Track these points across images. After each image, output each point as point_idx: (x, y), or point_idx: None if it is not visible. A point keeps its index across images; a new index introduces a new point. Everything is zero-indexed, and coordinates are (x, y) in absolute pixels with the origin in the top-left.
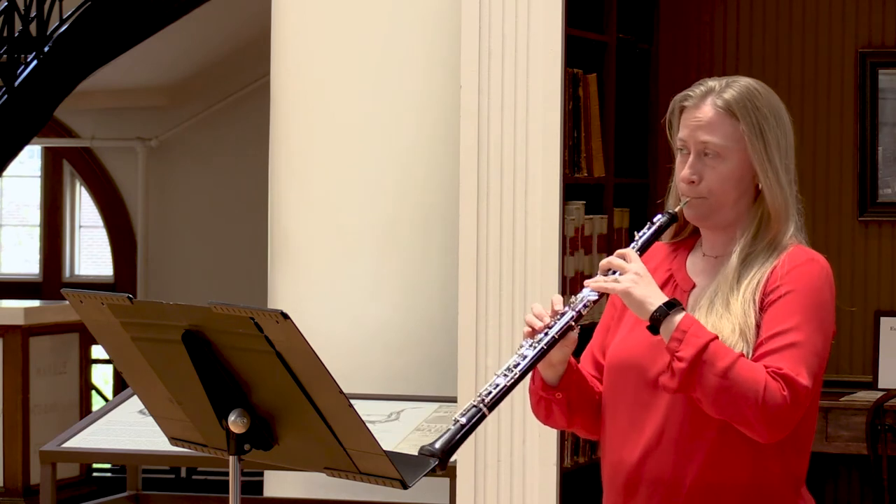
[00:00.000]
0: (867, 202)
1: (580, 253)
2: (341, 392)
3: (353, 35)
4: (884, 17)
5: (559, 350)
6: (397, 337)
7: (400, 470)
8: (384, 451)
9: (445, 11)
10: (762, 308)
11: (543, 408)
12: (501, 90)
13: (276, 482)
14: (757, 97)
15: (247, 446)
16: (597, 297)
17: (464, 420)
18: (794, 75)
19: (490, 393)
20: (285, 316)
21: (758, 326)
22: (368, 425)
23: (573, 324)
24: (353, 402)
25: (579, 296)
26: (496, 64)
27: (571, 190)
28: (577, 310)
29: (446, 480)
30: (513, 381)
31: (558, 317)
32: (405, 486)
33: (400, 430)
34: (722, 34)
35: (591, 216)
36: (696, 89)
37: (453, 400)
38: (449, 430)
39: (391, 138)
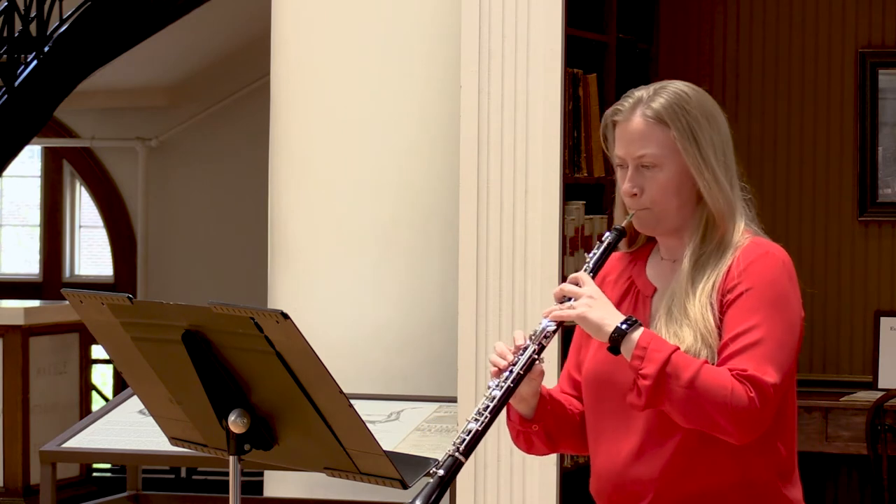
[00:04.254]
0: (867, 202)
1: (580, 253)
2: (341, 392)
3: (353, 35)
4: (884, 17)
5: (527, 384)
6: (397, 337)
7: (400, 470)
8: (384, 451)
9: (445, 11)
10: (721, 309)
11: (524, 440)
12: (501, 90)
13: (276, 482)
14: (686, 101)
15: (247, 446)
16: (555, 327)
17: (442, 472)
18: (794, 75)
19: (464, 440)
20: (285, 316)
21: (718, 329)
22: (368, 425)
23: (536, 357)
24: (353, 402)
25: (538, 328)
26: (496, 64)
27: (571, 190)
28: (538, 343)
29: None
30: (484, 424)
31: (521, 352)
32: (405, 486)
33: (400, 430)
34: (722, 34)
35: (591, 216)
36: (626, 102)
37: (453, 400)
38: (429, 483)
39: (391, 138)
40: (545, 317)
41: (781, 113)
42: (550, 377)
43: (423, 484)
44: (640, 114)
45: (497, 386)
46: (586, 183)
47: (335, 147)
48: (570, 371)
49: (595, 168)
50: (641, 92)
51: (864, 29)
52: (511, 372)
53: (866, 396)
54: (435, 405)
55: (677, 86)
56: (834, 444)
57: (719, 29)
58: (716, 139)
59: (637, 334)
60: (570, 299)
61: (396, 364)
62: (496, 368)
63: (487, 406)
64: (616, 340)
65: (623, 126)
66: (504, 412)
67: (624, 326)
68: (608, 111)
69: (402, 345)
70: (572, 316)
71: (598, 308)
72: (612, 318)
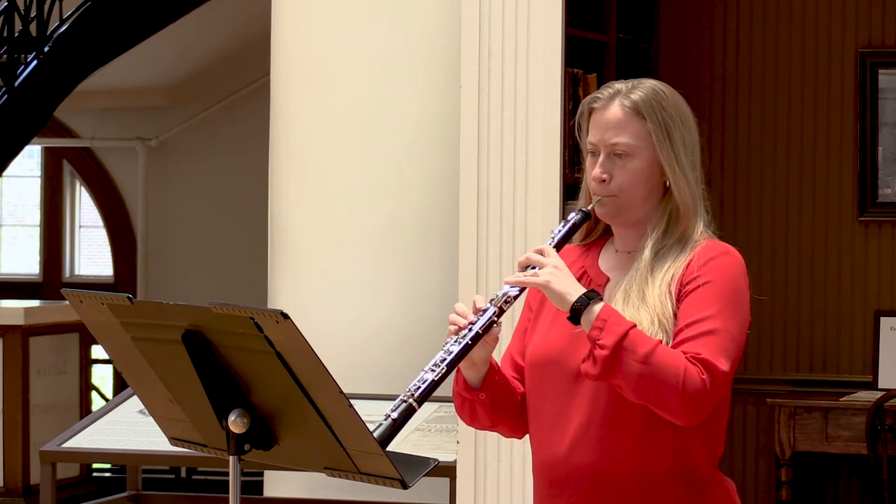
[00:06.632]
0: (867, 202)
1: None
2: (341, 392)
3: (353, 35)
4: (884, 17)
5: (482, 348)
6: (397, 337)
7: (400, 470)
8: (384, 451)
9: (445, 11)
10: (679, 299)
11: (468, 409)
12: (501, 90)
13: (276, 482)
14: (663, 98)
15: (247, 446)
16: (517, 293)
17: (395, 415)
18: (794, 75)
19: (419, 388)
20: (285, 316)
21: (675, 316)
22: (368, 425)
23: (496, 319)
24: (353, 402)
25: (499, 292)
26: (496, 64)
27: (571, 190)
28: (498, 305)
29: (446, 480)
30: (440, 375)
31: (481, 314)
32: (405, 486)
33: None
34: (722, 34)
35: None
36: (604, 91)
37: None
38: (382, 424)
39: (391, 138)
40: (507, 283)
41: (781, 113)
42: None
43: (422, 483)
44: (618, 103)
45: (455, 341)
46: None
47: (335, 147)
48: (513, 355)
49: None
50: (620, 85)
51: (864, 29)
52: (470, 330)
53: (866, 396)
54: (435, 405)
55: (655, 83)
56: (834, 444)
57: (719, 29)
58: (687, 139)
59: (598, 307)
60: (534, 268)
61: (396, 364)
62: (455, 327)
63: (444, 359)
64: (578, 310)
65: (600, 113)
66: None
67: (587, 298)
68: (586, 99)
69: (402, 345)
70: (537, 283)
71: (562, 278)
72: (575, 289)
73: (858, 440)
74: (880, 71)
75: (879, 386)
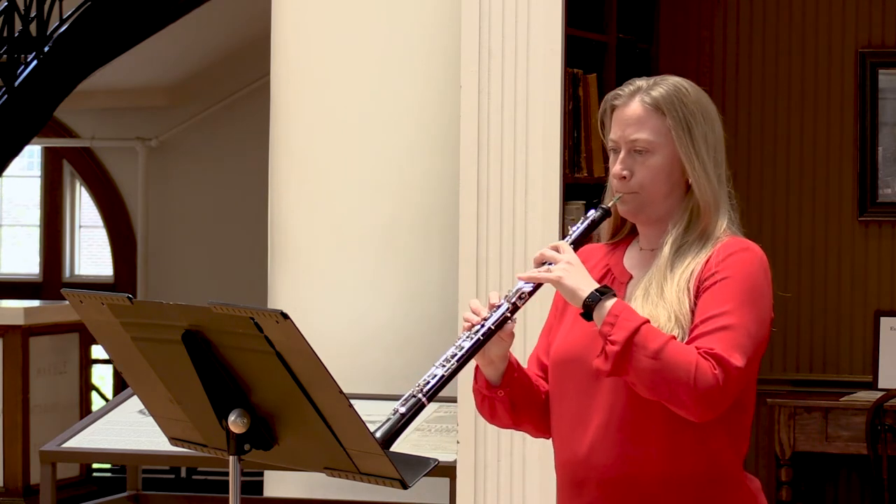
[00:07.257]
0: (867, 202)
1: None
2: (341, 392)
3: (353, 35)
4: (884, 17)
5: (497, 345)
6: (397, 337)
7: (400, 470)
8: (384, 451)
9: (445, 11)
10: (697, 295)
11: (487, 406)
12: (501, 90)
13: (276, 482)
14: (684, 94)
15: (247, 446)
16: (531, 289)
17: (403, 410)
18: (794, 75)
19: (429, 383)
20: (285, 316)
21: (692, 313)
22: (368, 425)
23: (509, 315)
24: (353, 402)
25: (514, 288)
26: (496, 64)
27: (571, 190)
28: (511, 301)
29: (446, 480)
30: (451, 371)
31: (495, 310)
32: (405, 486)
33: None
34: (722, 34)
35: None
36: (626, 88)
37: (453, 400)
38: (389, 419)
39: (391, 138)
40: (520, 279)
41: (781, 112)
42: (526, 351)
43: (422, 483)
44: (638, 100)
45: (467, 337)
46: (586, 183)
47: (335, 147)
48: (539, 355)
49: (595, 168)
50: (642, 81)
51: (864, 29)
52: (483, 326)
53: (866, 396)
54: (435, 405)
55: (678, 80)
56: (834, 444)
57: (719, 29)
58: (709, 136)
59: (610, 303)
60: (550, 264)
61: (396, 364)
62: (468, 324)
63: (455, 354)
64: (590, 307)
65: (621, 110)
66: (472, 384)
67: (599, 293)
68: (608, 96)
69: (402, 345)
70: (550, 279)
71: (575, 274)
72: (587, 285)
73: (858, 440)
74: (880, 71)
75: (879, 386)
